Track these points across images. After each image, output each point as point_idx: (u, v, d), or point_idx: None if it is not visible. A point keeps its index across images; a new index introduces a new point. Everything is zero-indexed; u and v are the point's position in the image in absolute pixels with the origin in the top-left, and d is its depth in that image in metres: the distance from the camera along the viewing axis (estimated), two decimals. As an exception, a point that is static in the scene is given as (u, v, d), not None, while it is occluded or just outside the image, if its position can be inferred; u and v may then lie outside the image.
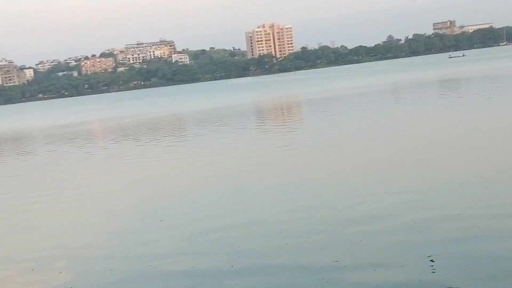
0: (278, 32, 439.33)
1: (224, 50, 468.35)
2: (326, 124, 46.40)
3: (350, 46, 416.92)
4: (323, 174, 24.87)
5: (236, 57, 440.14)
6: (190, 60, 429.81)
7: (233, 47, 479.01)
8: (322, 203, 19.65)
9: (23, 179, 33.79)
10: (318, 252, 14.54)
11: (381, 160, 26.74)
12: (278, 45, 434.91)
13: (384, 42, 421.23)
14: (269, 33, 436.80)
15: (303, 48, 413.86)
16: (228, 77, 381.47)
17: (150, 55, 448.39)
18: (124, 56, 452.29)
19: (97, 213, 22.00)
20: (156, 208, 21.81)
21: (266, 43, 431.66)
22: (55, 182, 30.76)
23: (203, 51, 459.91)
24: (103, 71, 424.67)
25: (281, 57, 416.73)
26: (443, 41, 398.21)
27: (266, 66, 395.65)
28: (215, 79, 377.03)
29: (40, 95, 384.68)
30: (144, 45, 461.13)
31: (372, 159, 27.27)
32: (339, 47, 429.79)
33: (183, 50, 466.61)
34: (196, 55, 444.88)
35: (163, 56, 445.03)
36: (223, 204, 21.31)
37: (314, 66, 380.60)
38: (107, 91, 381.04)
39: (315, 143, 34.95)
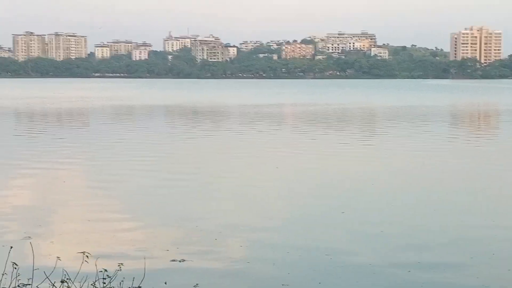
0: (486, 37, 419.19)
1: (426, 49, 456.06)
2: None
3: None
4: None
5: (437, 58, 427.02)
6: (389, 56, 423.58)
7: (435, 47, 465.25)
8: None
9: (211, 153, 35.11)
10: None
11: None
12: (484, 50, 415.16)
13: None
14: (476, 37, 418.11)
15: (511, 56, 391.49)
16: (426, 76, 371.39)
17: (350, 46, 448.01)
18: (324, 45, 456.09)
19: (277, 196, 22.24)
20: (338, 199, 21.61)
21: (471, 47, 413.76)
22: (243, 160, 31.59)
23: (404, 47, 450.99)
24: (301, 57, 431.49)
25: (486, 63, 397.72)
26: None
27: (468, 70, 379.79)
28: (412, 77, 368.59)
29: (240, 74, 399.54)
30: (345, 35, 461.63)
31: None
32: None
33: (383, 44, 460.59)
34: (396, 51, 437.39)
35: (362, 49, 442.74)
36: (407, 202, 20.65)
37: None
38: (303, 77, 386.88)
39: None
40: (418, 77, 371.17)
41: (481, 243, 15.99)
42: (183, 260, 14.19)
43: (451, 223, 18.25)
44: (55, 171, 27.54)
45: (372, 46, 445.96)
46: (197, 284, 11.40)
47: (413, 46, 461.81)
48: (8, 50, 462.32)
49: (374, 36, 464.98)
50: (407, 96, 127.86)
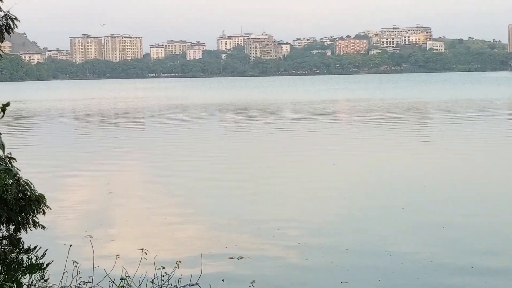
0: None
1: (483, 41, 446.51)
2: None
3: None
4: None
5: (495, 50, 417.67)
6: (445, 49, 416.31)
7: (493, 39, 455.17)
8: None
9: (266, 150, 35.09)
10: None
11: None
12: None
13: None
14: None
15: None
16: (483, 69, 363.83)
17: (405, 40, 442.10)
18: (378, 40, 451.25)
19: (335, 193, 22.03)
20: (397, 196, 21.28)
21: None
22: (298, 158, 31.44)
23: (460, 40, 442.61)
24: (355, 52, 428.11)
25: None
26: None
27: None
28: (469, 70, 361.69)
29: (293, 71, 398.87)
30: (400, 29, 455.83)
31: None
32: None
33: (439, 37, 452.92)
34: (453, 44, 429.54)
35: (417, 42, 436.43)
36: (469, 200, 20.19)
37: None
38: (357, 72, 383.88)
39: None
40: (476, 70, 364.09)
41: (546, 239, 15.48)
42: (241, 258, 14.17)
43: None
44: (113, 171, 27.93)
45: (428, 39, 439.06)
46: (253, 280, 11.36)
47: (470, 39, 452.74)
48: (66, 53, 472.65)
49: (430, 29, 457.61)
50: (464, 89, 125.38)
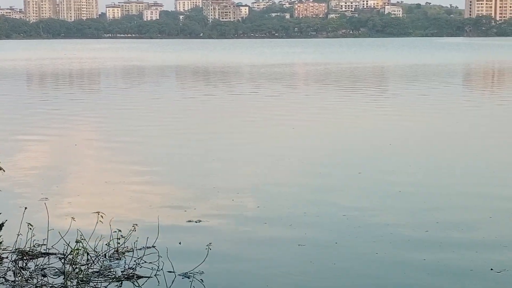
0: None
1: (440, 7, 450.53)
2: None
3: None
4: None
5: (451, 15, 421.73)
6: (403, 14, 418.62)
7: (450, 4, 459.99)
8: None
9: (224, 115, 34.93)
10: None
11: None
12: (500, 7, 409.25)
13: None
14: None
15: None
16: (440, 34, 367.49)
17: (363, 4, 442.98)
18: (337, 3, 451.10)
19: (294, 157, 22.08)
20: (354, 160, 21.44)
21: (486, 4, 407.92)
22: (257, 122, 31.38)
23: (418, 5, 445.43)
24: (314, 16, 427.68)
25: (501, 20, 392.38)
26: None
27: (483, 28, 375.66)
28: (426, 36, 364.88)
29: (252, 34, 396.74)
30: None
31: None
32: None
33: (398, 2, 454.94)
34: (410, 9, 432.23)
35: (375, 7, 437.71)
36: (424, 163, 20.47)
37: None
38: (316, 36, 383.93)
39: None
40: (432, 35, 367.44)
41: (500, 203, 15.79)
42: (199, 221, 14.11)
43: (470, 183, 18.06)
44: (67, 135, 27.51)
45: (386, 4, 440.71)
46: (210, 243, 11.34)
47: (428, 4, 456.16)
48: (20, 12, 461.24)
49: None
50: (421, 54, 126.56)
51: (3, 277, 10.75)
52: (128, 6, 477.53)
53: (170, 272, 10.87)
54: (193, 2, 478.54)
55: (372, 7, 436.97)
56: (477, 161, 21.23)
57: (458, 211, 15.13)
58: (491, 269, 11.18)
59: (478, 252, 12.16)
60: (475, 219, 14.34)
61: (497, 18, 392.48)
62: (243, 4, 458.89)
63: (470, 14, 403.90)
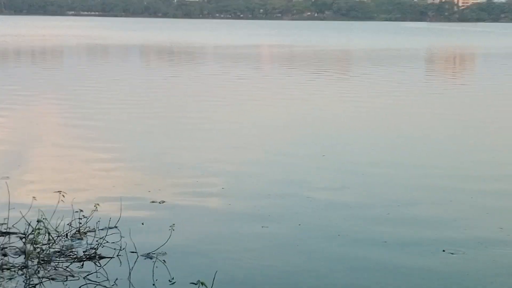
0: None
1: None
2: (500, 82, 43.86)
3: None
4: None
5: (415, 0, 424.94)
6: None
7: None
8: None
9: (188, 95, 34.79)
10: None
11: None
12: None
13: None
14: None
15: (489, 0, 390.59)
16: (403, 19, 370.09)
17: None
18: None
19: (257, 140, 22.12)
20: (318, 142, 21.57)
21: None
22: (222, 103, 31.36)
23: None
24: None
25: (463, 6, 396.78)
26: None
27: (446, 13, 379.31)
28: (389, 20, 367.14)
29: (217, 14, 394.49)
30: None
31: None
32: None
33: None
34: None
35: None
36: (387, 144, 20.71)
37: (497, 20, 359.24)
38: (281, 18, 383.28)
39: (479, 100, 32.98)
40: (396, 19, 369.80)
41: (461, 183, 16.10)
42: (163, 202, 14.05)
43: (431, 164, 18.33)
44: (28, 113, 27.12)
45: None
46: (173, 224, 11.30)
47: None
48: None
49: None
50: (384, 38, 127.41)
51: (-37, 257, 10.58)
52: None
53: (133, 252, 10.82)
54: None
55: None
56: (438, 142, 21.58)
57: (421, 191, 15.35)
58: (443, 251, 11.40)
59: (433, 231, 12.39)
60: (435, 200, 14.58)
61: (460, 4, 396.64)
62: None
63: (434, 0, 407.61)
